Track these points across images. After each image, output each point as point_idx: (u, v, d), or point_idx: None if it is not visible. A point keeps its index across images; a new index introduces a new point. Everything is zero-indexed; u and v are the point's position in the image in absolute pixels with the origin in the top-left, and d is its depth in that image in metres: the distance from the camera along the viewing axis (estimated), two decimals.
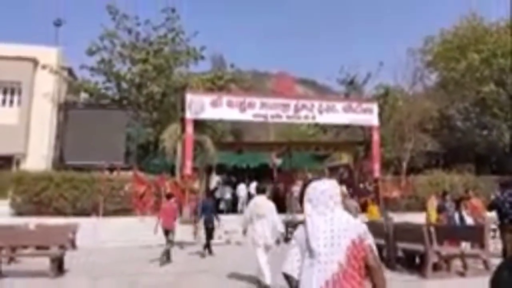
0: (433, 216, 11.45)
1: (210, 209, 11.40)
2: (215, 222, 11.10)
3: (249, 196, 19.01)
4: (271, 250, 6.66)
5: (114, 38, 21.13)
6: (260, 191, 7.58)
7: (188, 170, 16.65)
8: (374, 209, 13.12)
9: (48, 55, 20.87)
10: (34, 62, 20.57)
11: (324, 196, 2.43)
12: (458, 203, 10.85)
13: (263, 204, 6.88)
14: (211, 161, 19.28)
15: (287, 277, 2.40)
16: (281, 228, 6.82)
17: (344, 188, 14.42)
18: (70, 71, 22.82)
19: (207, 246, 10.83)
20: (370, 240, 2.33)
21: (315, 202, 2.43)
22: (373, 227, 9.49)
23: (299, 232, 2.45)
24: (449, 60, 25.21)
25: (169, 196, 10.72)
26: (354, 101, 19.97)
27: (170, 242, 9.67)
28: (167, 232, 9.70)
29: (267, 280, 6.28)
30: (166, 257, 9.45)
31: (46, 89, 20.31)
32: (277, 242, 6.84)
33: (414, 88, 26.99)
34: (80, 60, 30.51)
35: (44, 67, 20.09)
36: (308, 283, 2.24)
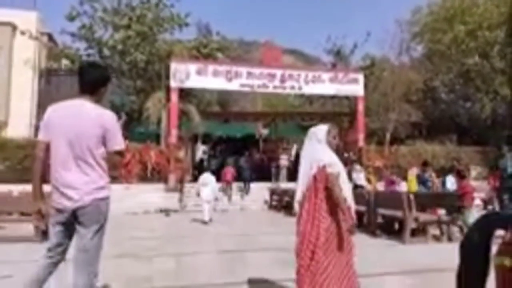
0: (413, 187, 11.62)
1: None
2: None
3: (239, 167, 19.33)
4: (211, 203, 10.70)
5: (95, 2, 20.44)
6: (205, 170, 12.36)
7: (173, 139, 16.60)
8: (413, 180, 12.40)
9: (27, 20, 20.13)
10: (13, 27, 19.87)
11: (311, 136, 3.49)
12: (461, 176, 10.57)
13: (207, 177, 10.94)
14: (197, 130, 19.25)
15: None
16: (216, 193, 11.32)
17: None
18: (50, 37, 22.15)
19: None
20: (332, 169, 3.22)
21: (306, 143, 3.53)
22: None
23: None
24: (435, 31, 25.18)
25: None
26: (340, 72, 19.95)
27: None
28: None
29: (206, 218, 10.41)
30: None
31: (25, 55, 19.73)
32: (216, 199, 11.26)
33: (400, 59, 27.07)
34: (60, 25, 29.56)
35: (23, 32, 19.42)
36: (297, 189, 3.41)
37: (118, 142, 2.87)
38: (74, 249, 2.83)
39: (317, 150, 3.36)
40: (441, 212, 9.03)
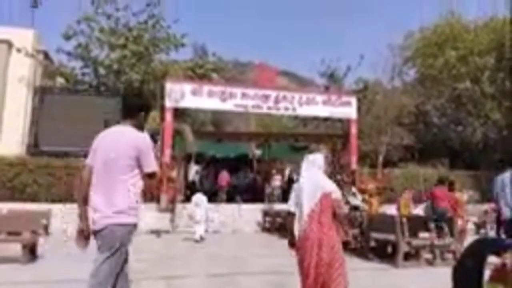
0: (404, 212, 11.62)
1: None
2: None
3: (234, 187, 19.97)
4: (203, 223, 11.27)
5: (92, 22, 20.62)
6: (198, 190, 13.31)
7: (167, 159, 16.53)
8: (406, 203, 12.63)
9: (24, 37, 20.18)
10: (9, 44, 19.92)
11: (309, 162, 3.99)
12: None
13: (200, 198, 11.60)
14: (190, 150, 19.20)
15: (289, 213, 3.97)
16: (208, 211, 11.80)
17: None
18: (46, 55, 22.19)
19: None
20: (336, 195, 3.82)
21: (304, 168, 3.99)
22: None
23: (296, 185, 4.02)
24: (427, 56, 25.66)
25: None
26: (333, 94, 20.14)
27: None
28: None
29: (197, 236, 10.88)
30: None
31: (20, 72, 19.71)
32: (207, 220, 11.80)
33: (392, 82, 27.48)
34: (56, 43, 29.77)
35: (19, 50, 19.47)
36: (300, 216, 3.81)
37: (151, 165, 2.99)
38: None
39: (319, 177, 3.91)
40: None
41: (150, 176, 3.00)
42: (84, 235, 2.98)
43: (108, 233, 2.82)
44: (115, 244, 2.85)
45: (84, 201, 3.00)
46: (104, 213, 2.83)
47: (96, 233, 2.86)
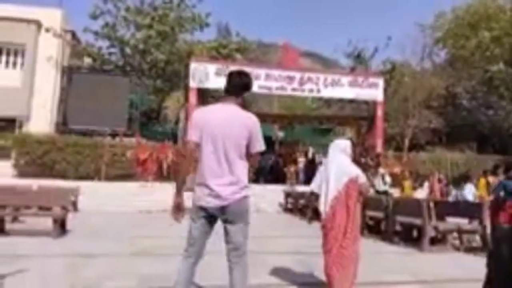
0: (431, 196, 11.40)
1: None
2: None
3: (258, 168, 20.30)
4: None
5: (119, 1, 20.72)
6: None
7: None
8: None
9: (52, 17, 20.49)
10: (38, 24, 20.25)
11: (336, 147, 4.20)
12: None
13: None
14: None
15: (312, 193, 4.26)
16: None
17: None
18: (74, 34, 22.50)
19: None
20: (363, 179, 4.02)
21: (331, 152, 4.18)
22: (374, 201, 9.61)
23: (322, 168, 4.22)
24: (459, 37, 24.74)
25: None
26: (360, 76, 19.73)
27: None
28: None
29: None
30: None
31: (49, 52, 20.09)
32: None
33: (421, 64, 26.70)
34: (83, 22, 30.01)
35: (47, 30, 19.79)
36: (324, 198, 4.03)
37: (259, 145, 3.09)
38: (226, 246, 3.19)
39: (345, 162, 4.08)
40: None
41: (253, 155, 3.10)
42: (180, 209, 3.14)
43: (240, 206, 3.02)
44: (245, 216, 3.09)
45: (185, 178, 3.13)
46: (232, 189, 2.97)
47: (222, 208, 3.00)
